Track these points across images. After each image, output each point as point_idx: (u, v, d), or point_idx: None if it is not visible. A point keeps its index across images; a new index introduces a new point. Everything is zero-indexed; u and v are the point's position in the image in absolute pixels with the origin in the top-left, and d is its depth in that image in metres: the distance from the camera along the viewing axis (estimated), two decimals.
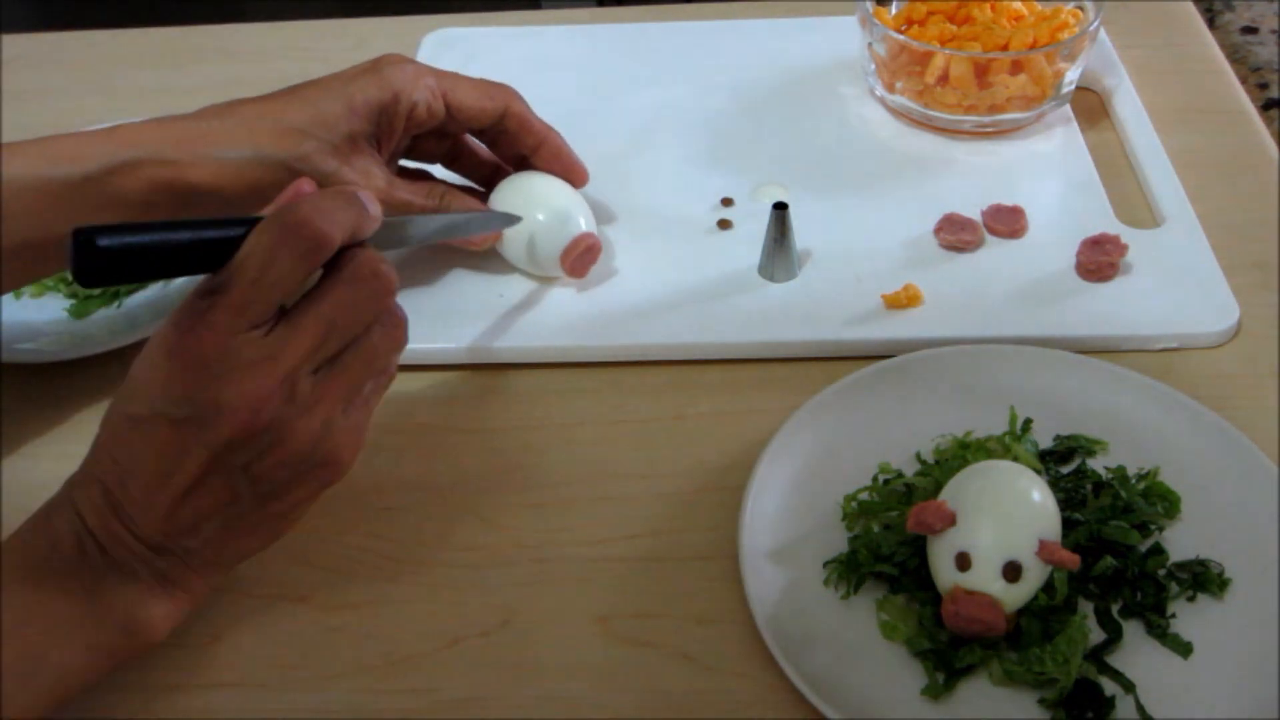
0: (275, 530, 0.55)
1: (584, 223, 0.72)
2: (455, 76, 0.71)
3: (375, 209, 0.54)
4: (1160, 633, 0.55)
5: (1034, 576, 0.53)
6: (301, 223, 0.50)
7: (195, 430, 0.50)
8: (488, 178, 0.76)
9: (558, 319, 0.72)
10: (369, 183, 0.67)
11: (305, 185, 0.54)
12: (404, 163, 0.74)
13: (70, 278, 0.75)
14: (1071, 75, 0.82)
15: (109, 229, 0.49)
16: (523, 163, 0.74)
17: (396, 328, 0.55)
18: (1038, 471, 0.59)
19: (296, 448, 0.52)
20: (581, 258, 0.71)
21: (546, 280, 0.74)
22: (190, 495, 0.51)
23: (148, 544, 0.53)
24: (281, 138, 0.65)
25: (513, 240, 0.72)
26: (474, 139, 0.75)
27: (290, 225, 0.50)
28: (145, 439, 0.51)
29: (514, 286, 0.74)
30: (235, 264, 0.50)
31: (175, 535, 0.53)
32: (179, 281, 0.75)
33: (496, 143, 0.74)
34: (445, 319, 0.72)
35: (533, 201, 0.72)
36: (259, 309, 0.50)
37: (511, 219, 0.71)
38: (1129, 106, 0.84)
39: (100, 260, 0.48)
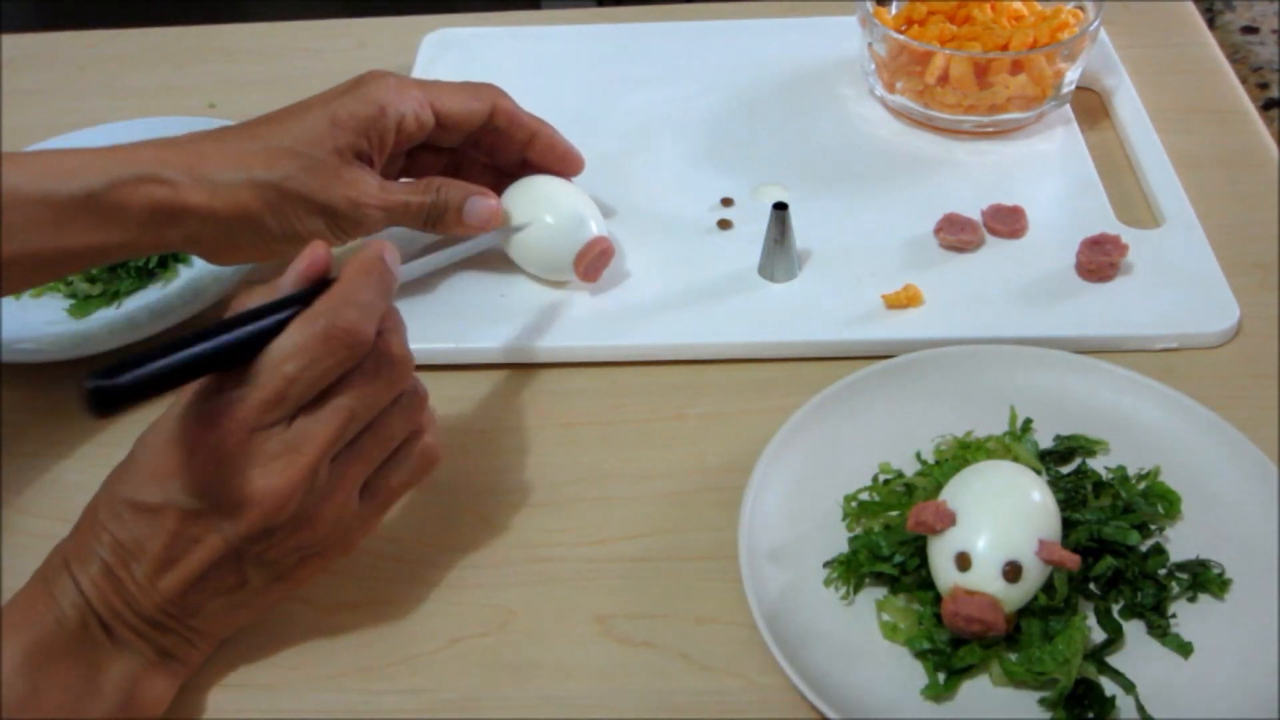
0: (273, 604, 0.56)
1: (595, 226, 0.71)
2: (439, 84, 0.71)
3: (398, 268, 0.54)
4: (1160, 633, 0.55)
5: (1034, 576, 0.53)
6: (347, 330, 0.50)
7: (213, 522, 0.51)
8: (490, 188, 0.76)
9: (557, 320, 0.72)
10: (360, 190, 0.67)
11: (320, 250, 0.54)
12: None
13: (69, 281, 0.75)
14: (1071, 75, 0.82)
15: (123, 366, 0.47)
16: (523, 168, 0.74)
17: (416, 410, 0.56)
18: (1038, 471, 0.59)
19: (314, 534, 0.53)
20: (595, 262, 0.71)
21: (550, 283, 0.74)
22: (199, 581, 0.52)
23: (150, 623, 0.53)
24: (271, 160, 0.65)
25: (522, 245, 0.72)
26: (473, 153, 0.75)
27: (336, 332, 0.50)
28: (153, 527, 0.51)
29: (515, 287, 0.74)
30: (269, 363, 0.50)
31: (178, 616, 0.53)
32: (177, 285, 0.75)
33: (494, 148, 0.74)
34: (445, 320, 0.72)
35: (542, 206, 0.71)
36: (289, 406, 0.51)
37: (509, 230, 0.71)
38: (1129, 106, 0.84)
39: (119, 396, 0.47)
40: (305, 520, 0.52)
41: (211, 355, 0.49)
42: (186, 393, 0.52)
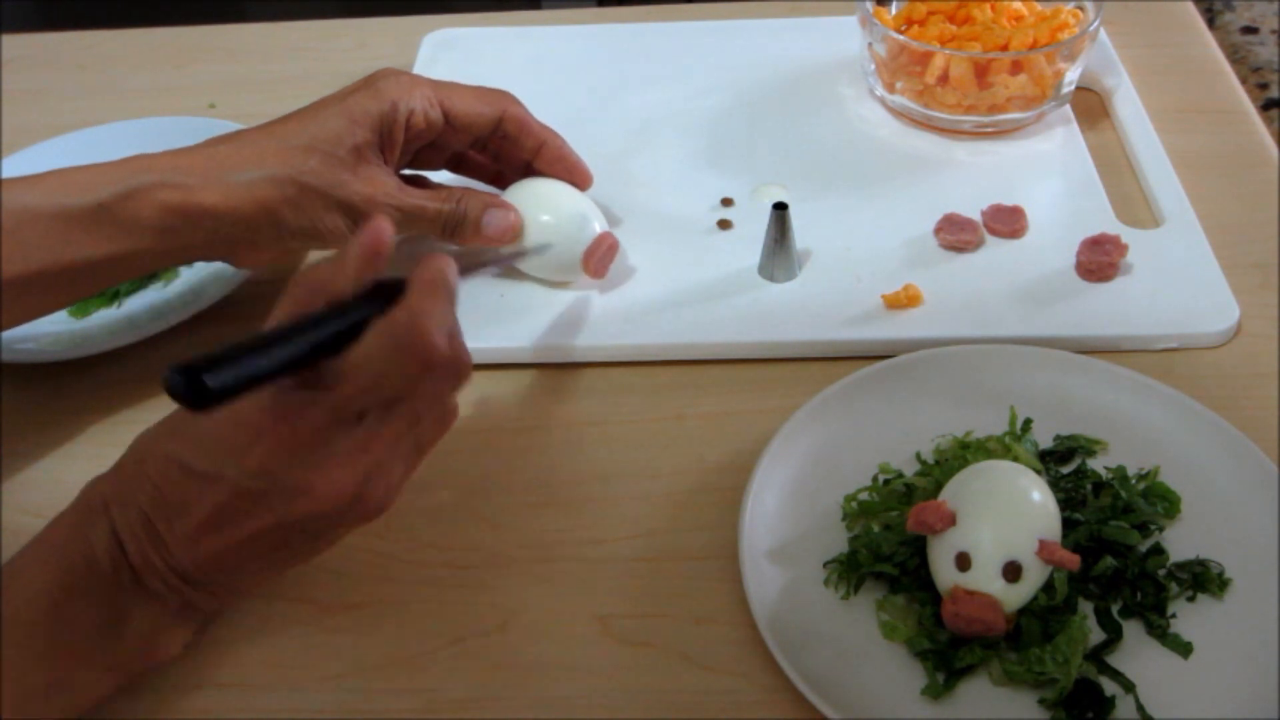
0: (304, 561, 0.56)
1: (598, 224, 0.72)
2: (451, 85, 0.71)
3: (456, 279, 0.53)
4: (1160, 633, 0.55)
5: (1034, 576, 0.53)
6: (418, 342, 0.50)
7: (268, 501, 0.51)
8: (491, 183, 0.76)
9: (557, 320, 0.72)
10: (378, 190, 0.67)
11: (384, 225, 0.53)
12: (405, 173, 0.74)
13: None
14: (1071, 75, 0.82)
15: (211, 363, 0.45)
16: (529, 172, 0.74)
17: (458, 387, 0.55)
18: (1038, 471, 0.59)
19: (364, 510, 0.52)
20: (603, 257, 0.71)
21: (549, 283, 0.74)
22: (241, 545, 0.52)
23: (182, 576, 0.53)
24: (288, 155, 0.65)
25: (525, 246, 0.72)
26: (477, 155, 0.75)
27: (408, 343, 0.50)
28: (204, 493, 0.51)
29: (514, 288, 0.74)
30: (348, 368, 0.50)
31: (215, 573, 0.53)
32: (177, 285, 0.75)
33: (500, 152, 0.74)
34: None
35: (542, 207, 0.71)
36: (361, 410, 0.51)
37: (536, 250, 0.71)
38: (1129, 106, 0.85)
39: (209, 396, 0.45)
40: (359, 501, 0.52)
41: (298, 358, 0.49)
42: None
